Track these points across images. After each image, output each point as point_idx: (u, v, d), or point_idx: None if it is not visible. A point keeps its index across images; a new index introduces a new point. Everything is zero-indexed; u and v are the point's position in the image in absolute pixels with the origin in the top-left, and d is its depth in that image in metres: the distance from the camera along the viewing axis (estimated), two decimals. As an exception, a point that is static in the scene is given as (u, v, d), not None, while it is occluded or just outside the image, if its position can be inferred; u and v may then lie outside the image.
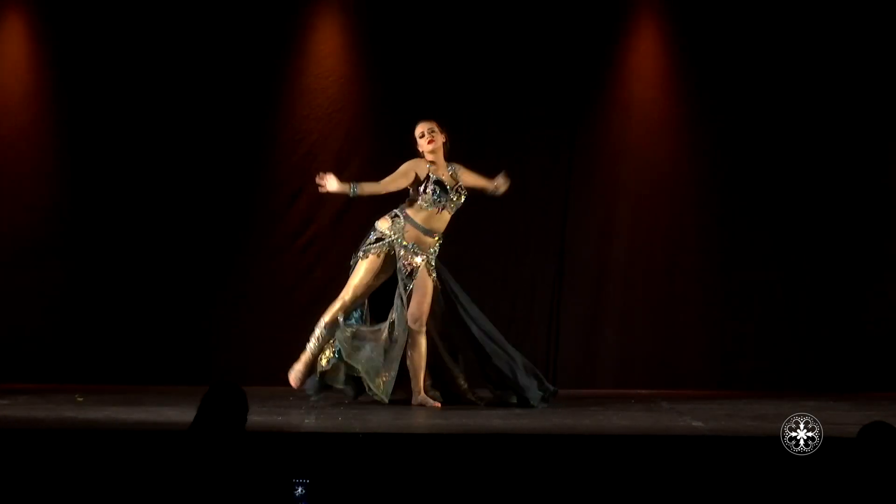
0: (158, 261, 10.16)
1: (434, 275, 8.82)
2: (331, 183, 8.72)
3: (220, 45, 10.18)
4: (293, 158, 10.29)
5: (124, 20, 10.14)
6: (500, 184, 8.88)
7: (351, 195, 8.76)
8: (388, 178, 8.79)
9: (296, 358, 9.63)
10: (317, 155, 10.28)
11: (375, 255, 8.80)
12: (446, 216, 8.83)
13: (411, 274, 8.77)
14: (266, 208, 10.29)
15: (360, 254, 8.83)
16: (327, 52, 10.33)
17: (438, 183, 8.76)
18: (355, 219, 10.24)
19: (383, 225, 8.82)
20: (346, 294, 8.83)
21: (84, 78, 10.14)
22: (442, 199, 8.76)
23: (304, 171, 10.26)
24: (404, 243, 8.77)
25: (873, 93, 10.34)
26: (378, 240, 8.81)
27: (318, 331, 8.86)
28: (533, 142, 10.30)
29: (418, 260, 8.78)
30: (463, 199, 8.85)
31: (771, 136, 10.36)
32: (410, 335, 8.76)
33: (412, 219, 8.80)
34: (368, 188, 8.77)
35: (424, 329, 8.78)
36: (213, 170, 10.20)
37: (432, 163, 8.81)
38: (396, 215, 8.82)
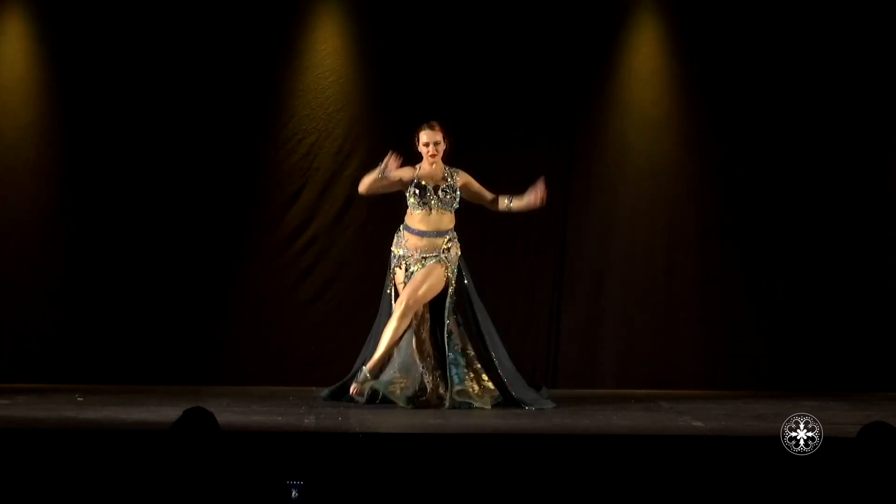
0: (158, 261, 10.15)
1: (452, 275, 8.86)
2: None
3: (220, 44, 10.18)
4: (293, 158, 10.28)
5: (124, 20, 10.13)
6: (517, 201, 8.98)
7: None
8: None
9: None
10: (317, 155, 10.28)
11: (399, 270, 8.86)
12: (435, 216, 8.86)
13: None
14: (266, 208, 10.28)
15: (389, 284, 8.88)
16: (327, 52, 10.33)
17: (418, 186, 8.83)
18: (355, 218, 10.25)
19: (393, 245, 8.93)
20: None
21: (84, 78, 10.13)
22: (423, 200, 8.82)
23: (304, 171, 10.27)
24: (407, 253, 8.82)
25: (873, 92, 10.34)
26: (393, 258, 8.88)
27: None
28: (533, 142, 10.29)
29: (431, 262, 8.82)
30: (449, 197, 8.86)
31: (771, 136, 10.36)
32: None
33: (408, 225, 8.87)
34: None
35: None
36: (212, 170, 10.20)
37: (421, 164, 8.87)
38: (399, 230, 8.92)
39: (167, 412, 8.15)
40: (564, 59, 10.32)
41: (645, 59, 10.41)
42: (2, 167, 10.17)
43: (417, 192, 8.83)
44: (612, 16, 10.37)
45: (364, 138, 10.26)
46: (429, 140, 8.88)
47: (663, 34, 10.41)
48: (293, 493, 5.96)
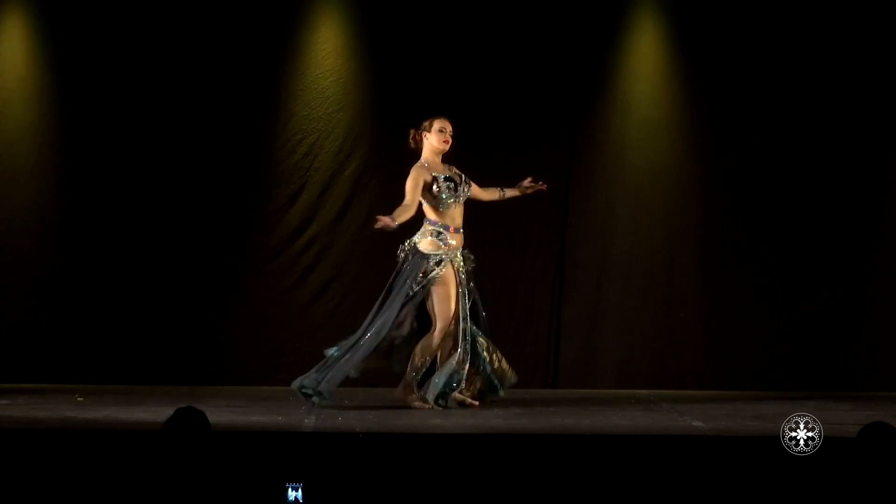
0: (158, 261, 10.16)
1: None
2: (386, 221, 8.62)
3: (220, 45, 10.18)
4: (293, 158, 10.29)
5: (124, 20, 10.14)
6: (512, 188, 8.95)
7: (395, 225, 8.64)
8: (410, 196, 8.67)
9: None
10: (317, 155, 10.28)
11: (452, 272, 8.75)
12: (461, 209, 8.83)
13: (467, 280, 8.82)
14: (266, 208, 10.28)
15: (420, 284, 8.70)
16: (327, 52, 10.33)
17: (449, 179, 8.76)
18: (355, 218, 10.25)
19: (429, 246, 8.75)
20: (443, 323, 8.70)
21: (84, 78, 10.14)
22: (457, 191, 8.75)
23: (304, 171, 10.27)
24: (458, 253, 8.79)
25: (873, 93, 10.34)
26: (439, 262, 8.76)
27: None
28: (533, 141, 10.30)
29: (468, 264, 8.83)
30: (470, 187, 8.84)
31: (771, 136, 10.36)
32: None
33: (445, 224, 8.78)
34: (402, 215, 8.66)
35: None
36: (212, 170, 10.20)
37: (428, 161, 8.80)
38: (439, 232, 8.76)
39: (167, 412, 8.09)
40: (564, 60, 10.32)
41: (645, 59, 10.41)
42: (2, 167, 10.17)
43: (452, 185, 8.76)
44: (611, 15, 10.37)
45: (364, 138, 10.26)
46: (444, 127, 8.82)
47: (663, 33, 10.41)
48: (291, 494, 5.96)
